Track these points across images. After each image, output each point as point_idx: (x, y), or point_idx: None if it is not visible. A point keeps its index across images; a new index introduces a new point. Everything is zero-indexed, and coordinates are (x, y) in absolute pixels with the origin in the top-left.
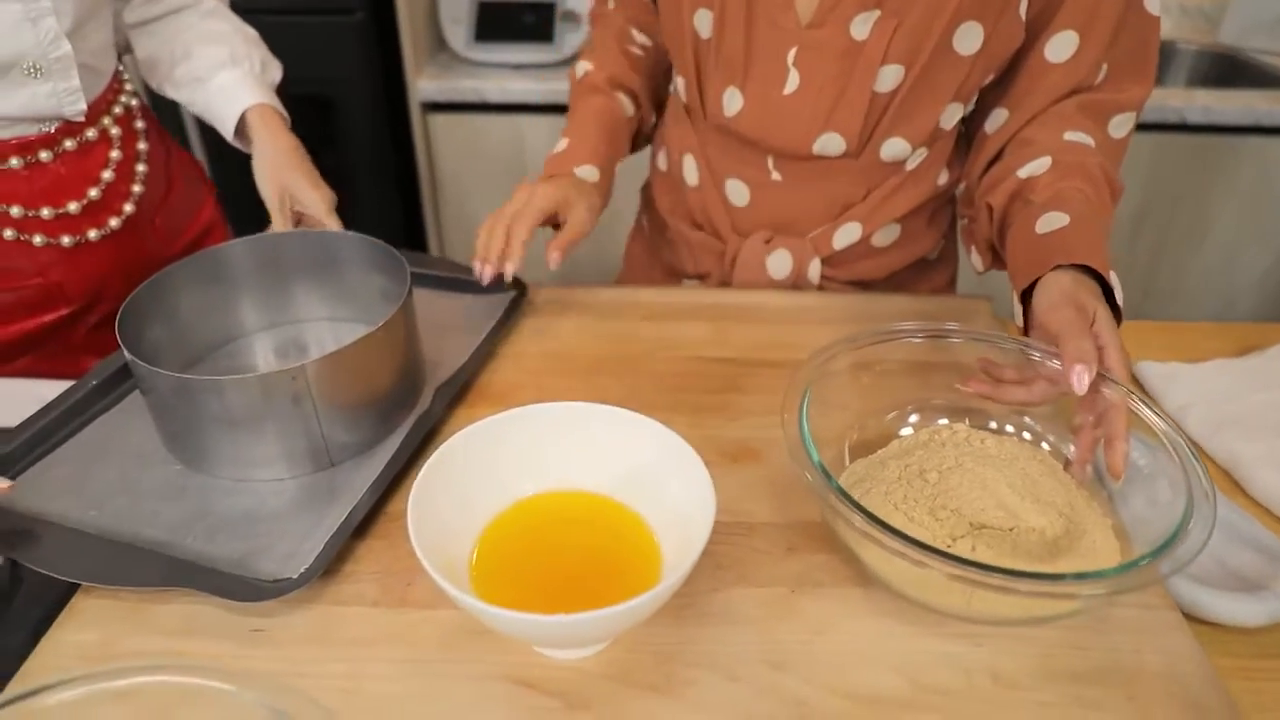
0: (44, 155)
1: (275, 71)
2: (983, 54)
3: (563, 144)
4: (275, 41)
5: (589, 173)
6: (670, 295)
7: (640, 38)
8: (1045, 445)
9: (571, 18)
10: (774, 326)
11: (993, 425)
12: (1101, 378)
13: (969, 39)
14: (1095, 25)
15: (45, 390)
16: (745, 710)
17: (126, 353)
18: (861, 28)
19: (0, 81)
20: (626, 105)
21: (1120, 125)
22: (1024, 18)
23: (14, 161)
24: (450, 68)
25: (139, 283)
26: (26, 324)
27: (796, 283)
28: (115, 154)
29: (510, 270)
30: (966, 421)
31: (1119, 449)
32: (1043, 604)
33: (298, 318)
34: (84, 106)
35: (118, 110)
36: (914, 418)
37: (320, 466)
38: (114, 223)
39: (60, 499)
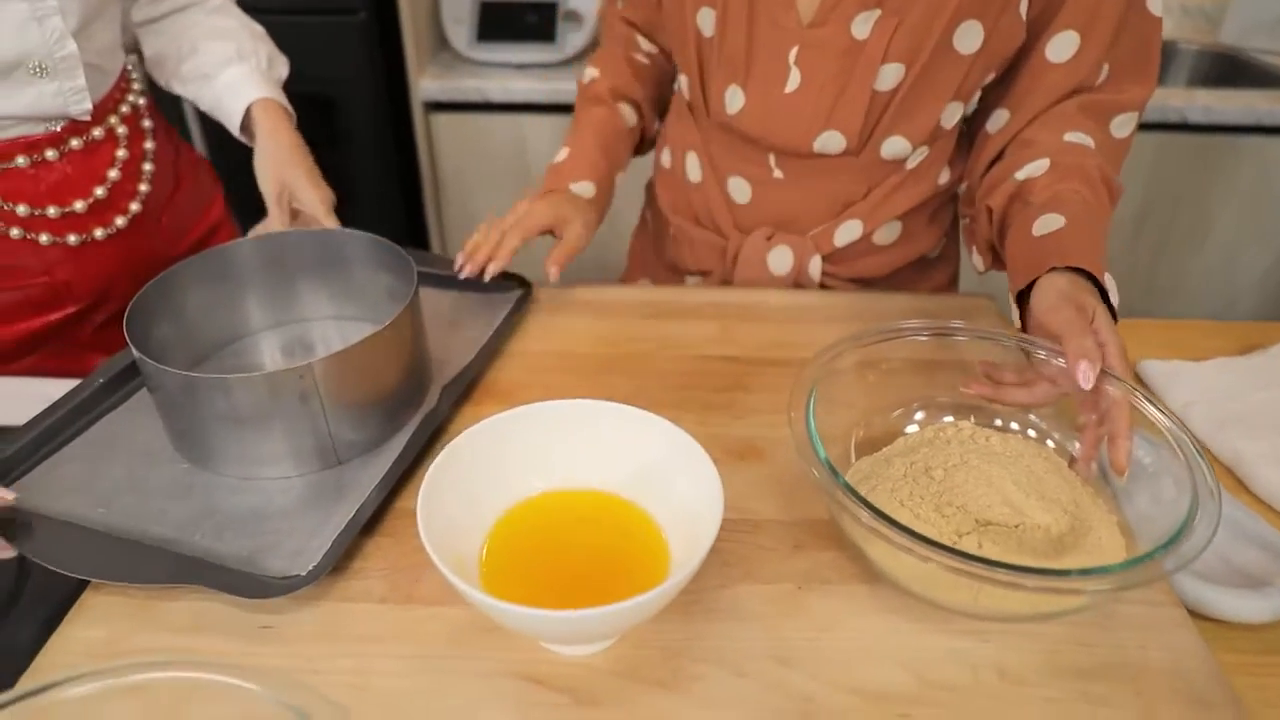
0: (50, 154)
1: (282, 68)
2: (983, 53)
3: (563, 154)
4: (278, 41)
5: (584, 189)
6: (674, 294)
7: (646, 45)
8: (1050, 443)
9: (573, 17)
10: (779, 325)
11: (998, 423)
12: (1105, 375)
13: (969, 38)
14: (1096, 25)
15: (51, 389)
16: (753, 705)
17: (135, 350)
18: (862, 27)
19: (6, 81)
20: (629, 116)
21: (1122, 125)
22: (1024, 17)
23: (20, 160)
24: (452, 67)
25: (146, 281)
26: (33, 322)
27: (798, 280)
28: (122, 153)
29: (491, 271)
30: (972, 419)
31: (1122, 446)
32: (1049, 600)
33: (304, 316)
34: (89, 106)
35: (124, 109)
36: (919, 415)
37: (327, 464)
38: (120, 222)
39: (68, 496)
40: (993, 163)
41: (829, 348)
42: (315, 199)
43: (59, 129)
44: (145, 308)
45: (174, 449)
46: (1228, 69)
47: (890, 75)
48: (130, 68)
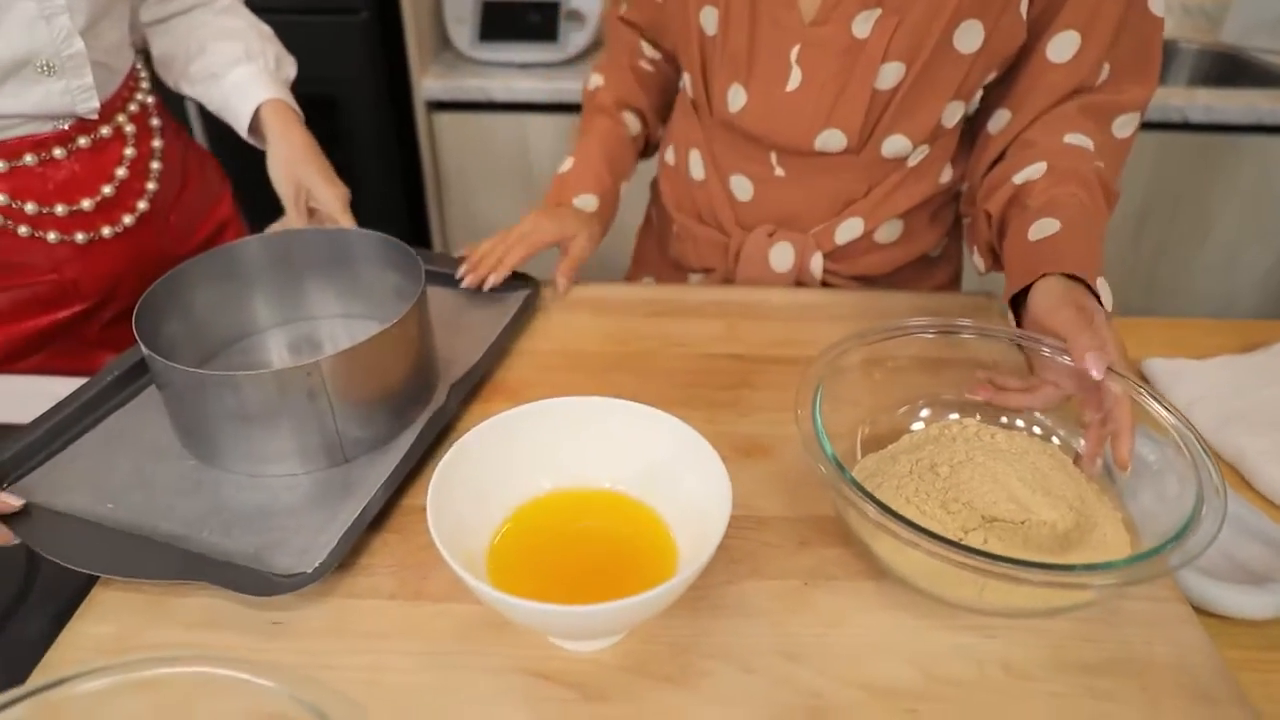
0: (58, 152)
1: (290, 68)
2: (984, 52)
3: (568, 163)
4: (280, 41)
5: (588, 202)
6: (678, 292)
7: (650, 52)
8: (1055, 440)
9: (576, 17)
10: (783, 323)
11: (1003, 420)
12: (1110, 372)
13: (970, 37)
14: (1097, 25)
15: (58, 387)
16: (761, 701)
17: (144, 348)
18: (863, 26)
19: (14, 79)
20: (632, 125)
21: (1124, 126)
22: (1025, 17)
23: (28, 158)
24: (455, 67)
25: (153, 279)
26: (40, 320)
27: (799, 277)
28: (130, 151)
29: (490, 283)
30: (977, 416)
31: (1125, 443)
32: (1054, 595)
33: (312, 314)
34: (97, 104)
35: (133, 108)
36: (925, 413)
37: (334, 462)
38: (128, 220)
39: (77, 492)
40: (994, 163)
41: (835, 345)
42: (331, 196)
43: (67, 127)
44: (154, 305)
45: (182, 445)
46: (1229, 68)
47: (891, 74)
48: (139, 66)
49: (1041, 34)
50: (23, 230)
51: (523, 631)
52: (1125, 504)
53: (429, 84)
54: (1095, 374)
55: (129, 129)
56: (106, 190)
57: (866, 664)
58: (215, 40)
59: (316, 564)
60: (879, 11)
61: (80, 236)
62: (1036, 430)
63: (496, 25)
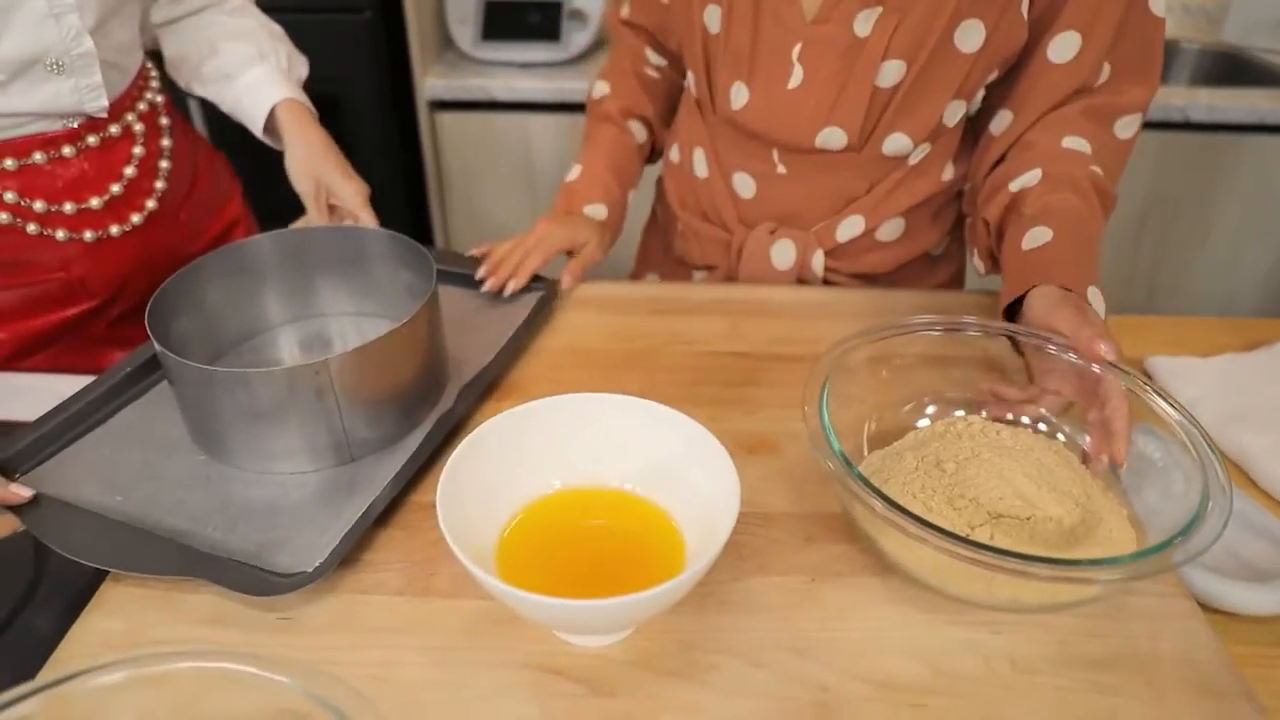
0: (67, 151)
1: (302, 67)
2: (985, 52)
3: (575, 171)
4: None
5: (597, 211)
6: (682, 290)
7: (655, 59)
8: (1060, 437)
9: (578, 17)
10: (786, 321)
11: (1008, 417)
12: (1114, 369)
13: (970, 36)
14: (1097, 26)
15: (63, 386)
16: (769, 695)
17: (155, 344)
18: (864, 24)
19: (23, 77)
20: (639, 133)
21: (1126, 127)
22: (1026, 17)
23: (38, 156)
24: (457, 66)
25: (162, 278)
26: (49, 318)
27: (801, 275)
28: (139, 150)
29: (511, 288)
30: (983, 413)
31: (1121, 442)
32: (1061, 590)
33: (324, 312)
34: (106, 103)
35: (142, 107)
36: (931, 409)
37: (342, 461)
38: (136, 219)
39: (86, 484)
40: (995, 165)
41: (841, 342)
42: (351, 192)
43: (76, 126)
44: (166, 301)
45: (193, 441)
46: (1230, 68)
47: (891, 72)
48: (149, 66)
49: (1043, 34)
50: (31, 228)
51: (531, 627)
52: (1130, 500)
53: (431, 83)
54: (1108, 355)
55: (138, 128)
56: (115, 189)
57: (873, 659)
58: (227, 41)
59: (317, 563)
60: (880, 10)
61: (88, 235)
62: (1042, 427)
63: (499, 25)
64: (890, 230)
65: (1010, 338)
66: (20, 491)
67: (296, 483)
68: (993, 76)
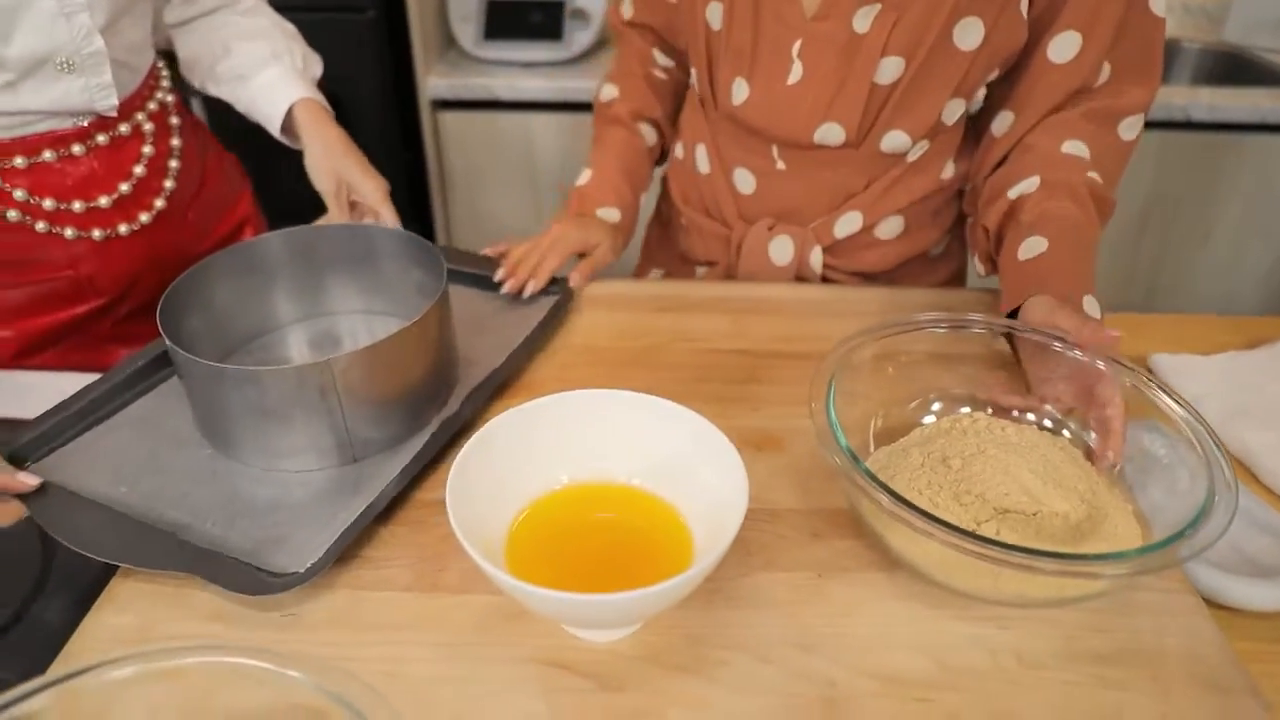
0: (77, 149)
1: (316, 66)
2: (984, 50)
3: (586, 175)
4: None
5: (610, 214)
6: (684, 288)
7: (663, 60)
8: (1066, 433)
9: (580, 16)
10: (789, 319)
11: (1014, 415)
12: (1119, 364)
13: (969, 34)
14: (1098, 26)
15: (69, 384)
16: (776, 690)
17: (167, 340)
18: (863, 21)
19: (34, 76)
20: (649, 135)
21: (1130, 128)
22: (1025, 16)
23: (47, 155)
24: (460, 65)
25: (170, 277)
26: (56, 316)
27: (799, 271)
28: (148, 149)
29: (530, 290)
30: (989, 410)
31: (1116, 439)
32: (1067, 585)
33: (335, 310)
34: (116, 102)
35: (152, 106)
36: (936, 406)
37: (345, 460)
38: (144, 218)
39: (94, 474)
40: (996, 167)
41: (847, 339)
42: (372, 188)
43: (86, 124)
44: (178, 299)
45: (201, 435)
46: (1231, 67)
47: (890, 69)
48: (160, 65)
49: (1043, 34)
50: (40, 226)
51: (539, 622)
52: (1135, 497)
53: (434, 82)
54: (1117, 341)
55: (148, 127)
56: (124, 188)
57: (880, 654)
58: (241, 40)
59: (309, 564)
60: (878, 7)
61: (97, 233)
62: (1047, 424)
63: (501, 24)
64: (889, 228)
65: (1010, 343)
66: (28, 480)
67: (300, 481)
68: (993, 75)
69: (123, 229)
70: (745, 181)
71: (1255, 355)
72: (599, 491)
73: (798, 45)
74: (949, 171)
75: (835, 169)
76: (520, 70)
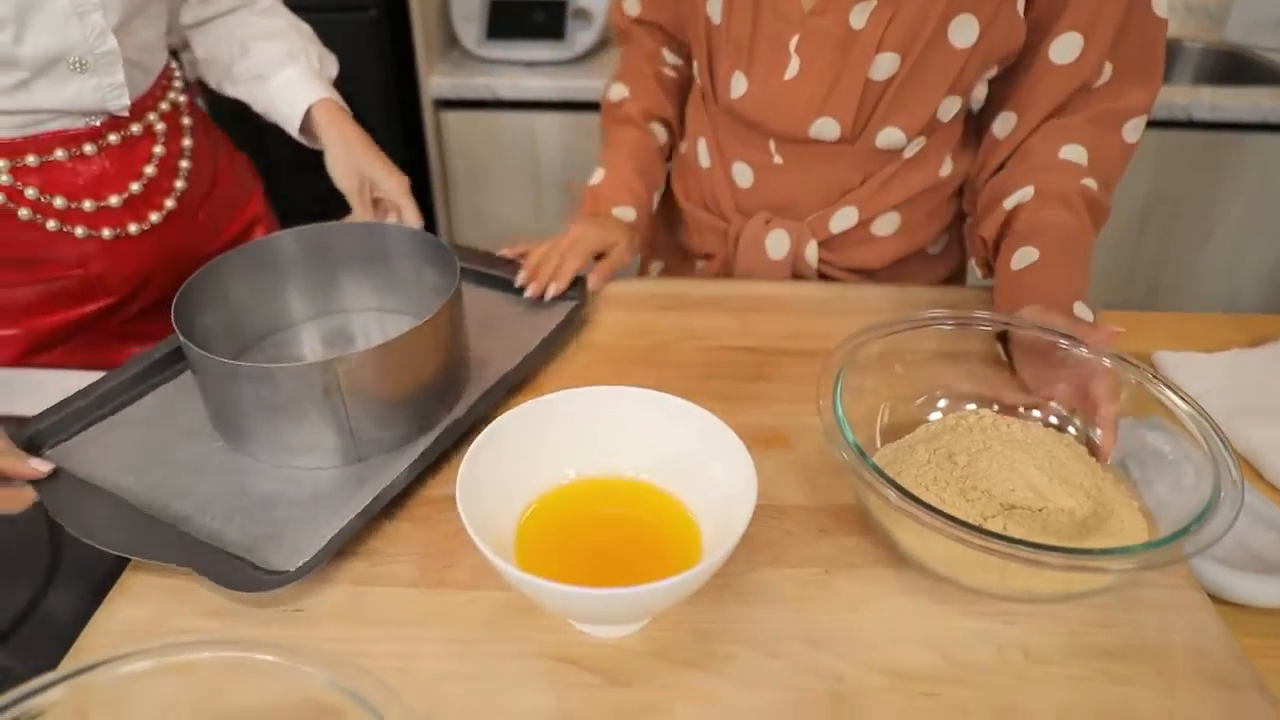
0: (88, 148)
1: (332, 66)
2: (979, 48)
3: (600, 175)
4: None
5: (625, 213)
6: (688, 286)
7: (671, 58)
8: (1071, 430)
9: (583, 15)
10: (795, 317)
11: (1019, 411)
12: (1121, 361)
13: (964, 32)
14: (1099, 27)
15: (77, 383)
16: (784, 685)
17: (180, 335)
18: (859, 16)
19: (46, 75)
20: (660, 134)
21: (1133, 130)
22: (1022, 15)
23: (59, 154)
24: (462, 65)
25: (180, 276)
26: (66, 314)
27: (795, 265)
28: (159, 149)
29: (552, 292)
30: (994, 407)
31: (1108, 433)
32: (1073, 580)
33: (348, 308)
34: (128, 102)
35: (164, 106)
36: (942, 403)
37: (349, 460)
38: (155, 217)
39: (104, 462)
40: (997, 169)
41: (853, 336)
42: (394, 185)
43: (98, 124)
44: (192, 296)
45: (213, 428)
46: (1232, 66)
47: (885, 65)
48: (173, 65)
49: (1044, 35)
50: (51, 225)
51: (547, 617)
52: (1141, 493)
53: (436, 82)
54: (1117, 337)
55: (159, 127)
56: (135, 188)
57: (887, 649)
58: (258, 41)
59: (300, 563)
60: (875, 3)
61: (107, 232)
62: (1053, 420)
63: (504, 24)
64: (885, 224)
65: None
66: (40, 466)
67: (304, 478)
68: (991, 74)
69: (133, 228)
70: (743, 175)
71: (1258, 353)
72: (606, 485)
73: (795, 40)
74: (947, 169)
75: (831, 164)
76: (523, 70)
